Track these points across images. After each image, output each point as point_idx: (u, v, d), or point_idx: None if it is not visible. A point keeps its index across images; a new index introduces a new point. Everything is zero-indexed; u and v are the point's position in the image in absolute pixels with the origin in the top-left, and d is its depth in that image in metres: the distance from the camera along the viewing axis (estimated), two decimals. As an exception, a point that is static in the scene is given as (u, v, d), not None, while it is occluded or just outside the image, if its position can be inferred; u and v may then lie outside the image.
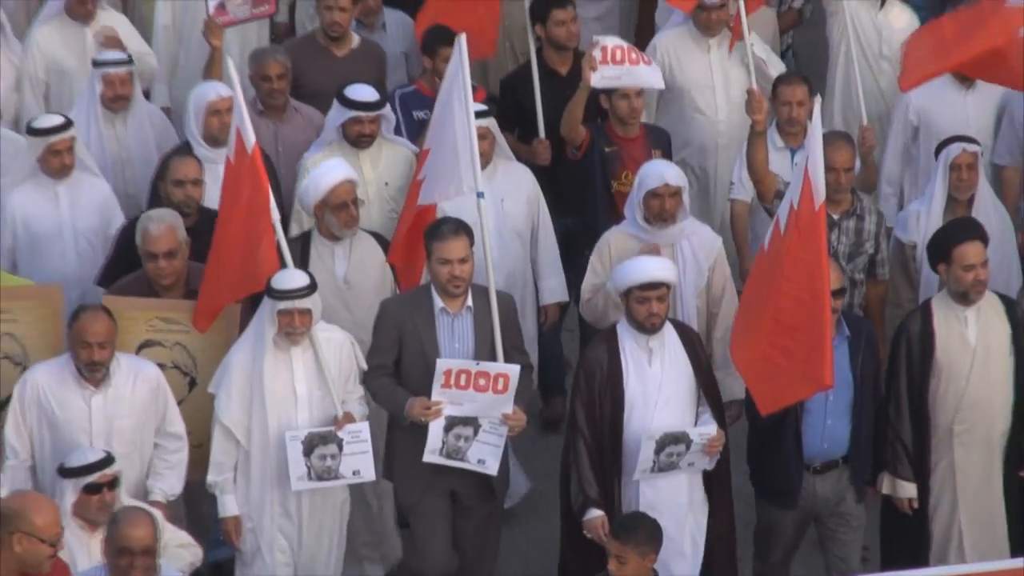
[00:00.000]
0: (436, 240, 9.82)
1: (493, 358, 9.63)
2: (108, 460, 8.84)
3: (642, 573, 8.34)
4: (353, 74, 12.23)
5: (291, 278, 9.62)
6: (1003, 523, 9.93)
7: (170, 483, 9.51)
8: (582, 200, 11.27)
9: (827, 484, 9.77)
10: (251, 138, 9.93)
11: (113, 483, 8.81)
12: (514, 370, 9.64)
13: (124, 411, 9.41)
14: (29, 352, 10.08)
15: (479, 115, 10.97)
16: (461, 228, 9.90)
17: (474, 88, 11.59)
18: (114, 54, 11.98)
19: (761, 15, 12.66)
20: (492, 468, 9.56)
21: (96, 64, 11.69)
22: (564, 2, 12.33)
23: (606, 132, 11.35)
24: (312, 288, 9.61)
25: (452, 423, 9.55)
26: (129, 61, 11.85)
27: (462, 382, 9.43)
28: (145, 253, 10.09)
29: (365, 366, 9.91)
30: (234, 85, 10.25)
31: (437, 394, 9.46)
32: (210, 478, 9.58)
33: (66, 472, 8.89)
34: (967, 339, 9.72)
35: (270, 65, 11.90)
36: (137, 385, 9.48)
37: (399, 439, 9.82)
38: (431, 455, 9.60)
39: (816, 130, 8.86)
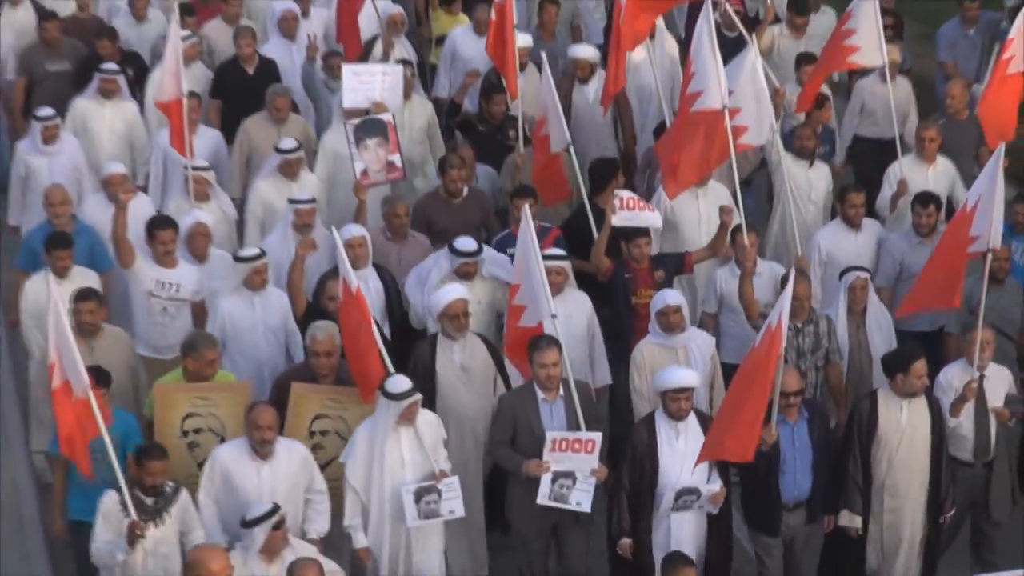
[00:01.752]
0: (536, 351, 11.13)
1: (579, 429, 11.02)
2: (277, 508, 10.07)
3: None
4: (466, 214, 13.75)
5: (403, 383, 10.76)
6: (918, 550, 11.69)
7: (320, 525, 10.80)
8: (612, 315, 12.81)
9: (796, 517, 11.31)
10: (354, 282, 11.09)
11: (283, 522, 10.12)
12: (598, 436, 11.06)
13: (282, 477, 10.58)
14: (226, 427, 11.23)
15: (559, 258, 12.51)
16: (553, 342, 11.12)
17: (549, 230, 13.51)
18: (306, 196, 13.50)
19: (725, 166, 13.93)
20: (586, 507, 10.99)
21: (291, 201, 13.31)
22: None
23: (624, 263, 12.86)
24: (416, 388, 10.81)
25: (556, 476, 10.92)
26: (313, 200, 13.51)
27: (563, 447, 10.92)
28: (312, 352, 11.33)
29: (446, 435, 11.25)
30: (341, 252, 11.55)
31: (546, 456, 10.87)
32: (346, 522, 10.83)
33: (247, 523, 10.04)
34: (900, 422, 11.21)
35: (398, 206, 13.34)
36: (292, 459, 10.67)
37: (516, 489, 11.25)
38: (543, 499, 10.98)
39: (786, 298, 10.45)
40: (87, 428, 10.52)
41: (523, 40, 16.22)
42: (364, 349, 11.10)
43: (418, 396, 10.86)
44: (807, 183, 14.68)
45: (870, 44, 14.78)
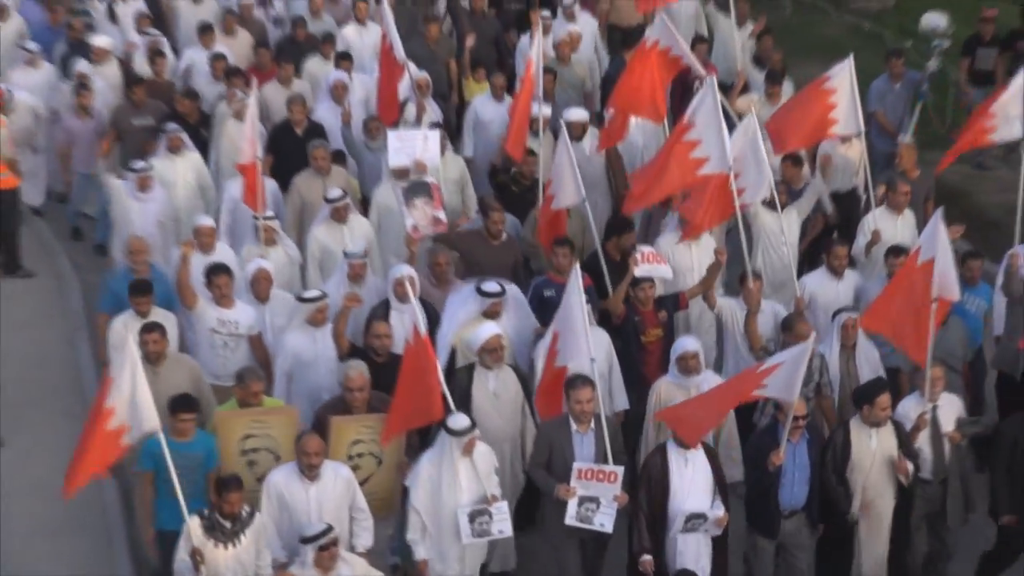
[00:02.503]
0: (572, 389, 10.80)
1: (606, 460, 10.77)
2: (330, 528, 9.85)
3: None
4: (502, 257, 13.45)
5: (463, 421, 10.49)
6: (884, 558, 11.36)
7: (365, 540, 10.53)
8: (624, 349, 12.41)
9: (792, 524, 10.99)
10: (423, 329, 10.91)
11: (336, 543, 9.94)
12: (620, 469, 10.65)
13: (329, 496, 10.30)
14: (280, 446, 10.97)
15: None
16: (588, 381, 10.79)
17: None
18: (359, 248, 13.23)
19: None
20: (608, 529, 10.65)
21: (346, 255, 13.02)
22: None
23: (634, 306, 12.50)
24: (474, 425, 10.55)
25: (583, 500, 10.55)
26: (365, 255, 13.20)
27: (589, 476, 10.55)
28: (346, 388, 11.04)
29: (497, 463, 10.93)
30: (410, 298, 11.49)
31: (574, 482, 10.53)
32: (408, 536, 10.56)
33: (307, 540, 9.85)
34: (871, 448, 10.87)
35: (439, 256, 13.03)
36: (337, 481, 10.37)
37: (550, 507, 10.86)
38: (570, 520, 10.62)
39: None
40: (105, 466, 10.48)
41: (578, 114, 15.94)
42: (429, 389, 10.77)
43: (476, 432, 10.64)
44: (780, 230, 13.99)
45: (849, 115, 14.36)
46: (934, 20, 18.84)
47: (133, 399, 10.05)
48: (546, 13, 18.65)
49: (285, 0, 20.49)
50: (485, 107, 17.22)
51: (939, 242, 11.46)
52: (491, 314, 12.34)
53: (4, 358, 15.06)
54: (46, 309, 17.24)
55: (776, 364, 10.63)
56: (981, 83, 18.63)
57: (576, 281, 11.35)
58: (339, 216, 14.10)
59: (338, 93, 16.76)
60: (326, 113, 16.80)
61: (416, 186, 14.13)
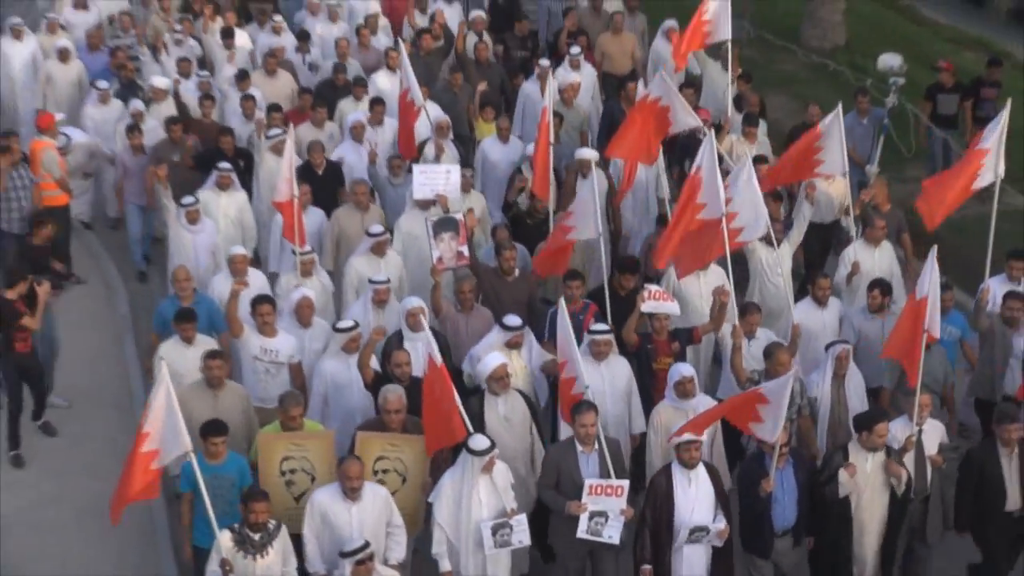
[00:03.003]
0: (577, 414, 10.40)
1: (610, 476, 10.35)
2: (367, 545, 9.53)
3: None
4: (516, 292, 13.02)
5: (483, 441, 10.11)
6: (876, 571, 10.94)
7: (398, 553, 10.16)
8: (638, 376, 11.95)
9: (784, 543, 10.67)
10: (438, 359, 10.55)
11: (372, 557, 9.61)
12: (625, 483, 10.31)
13: (368, 514, 9.95)
14: (316, 468, 10.62)
15: (605, 332, 11.80)
16: (591, 407, 10.41)
17: (588, 306, 12.77)
18: (382, 277, 12.96)
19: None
20: (616, 540, 10.25)
21: (371, 281, 12.78)
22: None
23: (649, 335, 12.09)
24: (494, 445, 10.16)
25: (592, 515, 10.18)
26: (388, 281, 12.89)
27: (599, 491, 10.18)
28: (384, 410, 10.68)
29: (513, 480, 10.50)
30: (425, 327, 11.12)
31: (585, 498, 10.13)
32: (433, 550, 10.16)
33: (346, 555, 9.50)
34: (866, 470, 10.46)
35: (465, 285, 12.64)
36: (376, 500, 10.02)
37: (560, 523, 10.49)
38: (581, 533, 10.21)
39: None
40: (145, 491, 10.27)
41: (587, 153, 15.52)
42: (448, 412, 10.47)
43: (496, 452, 10.25)
44: (772, 264, 13.70)
45: (834, 156, 13.98)
46: (890, 60, 19.19)
47: (166, 423, 9.82)
48: (545, 62, 18.39)
49: (321, 47, 20.04)
50: (492, 148, 16.89)
51: (932, 281, 11.18)
52: (513, 344, 11.96)
53: (59, 355, 14.56)
54: (96, 312, 17.04)
55: (769, 398, 10.34)
56: (943, 126, 18.42)
57: (564, 317, 11.13)
58: (379, 250, 13.78)
59: (357, 133, 16.41)
60: (349, 151, 16.45)
61: (445, 221, 13.72)
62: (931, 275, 11.18)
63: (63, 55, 19.20)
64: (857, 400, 11.90)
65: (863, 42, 25.20)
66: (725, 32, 16.34)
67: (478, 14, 20.24)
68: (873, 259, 14.02)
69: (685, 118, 14.37)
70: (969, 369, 13.35)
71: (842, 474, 10.50)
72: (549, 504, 10.65)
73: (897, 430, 11.08)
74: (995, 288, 13.15)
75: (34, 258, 14.75)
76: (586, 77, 18.76)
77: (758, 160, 15.08)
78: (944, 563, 11.75)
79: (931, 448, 11.14)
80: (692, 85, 18.14)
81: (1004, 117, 13.06)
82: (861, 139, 17.66)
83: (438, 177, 14.49)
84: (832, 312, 13.10)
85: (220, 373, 11.45)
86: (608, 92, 18.96)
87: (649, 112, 14.22)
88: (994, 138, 13.15)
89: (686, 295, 13.26)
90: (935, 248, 11.62)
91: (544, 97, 15.36)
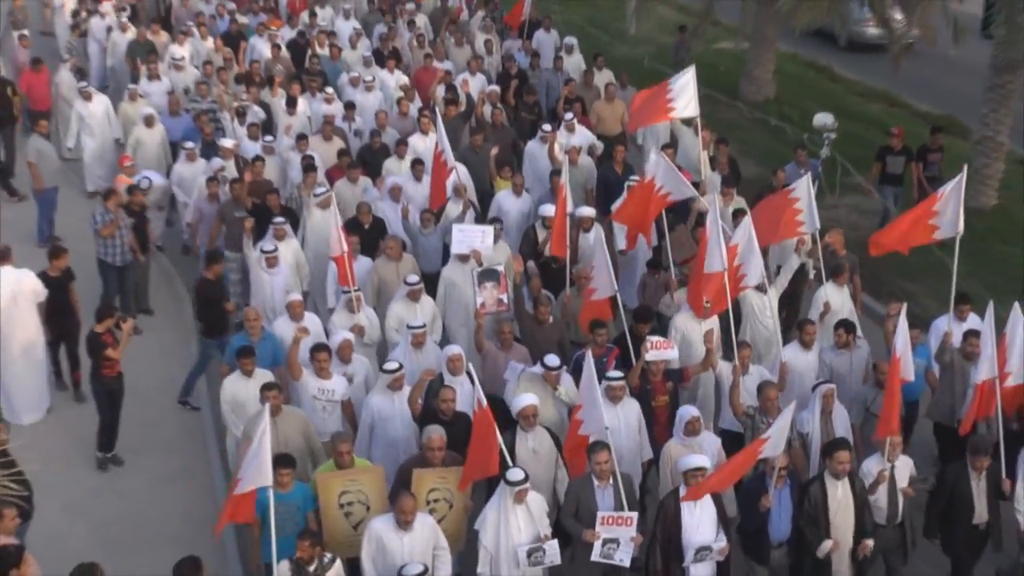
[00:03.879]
0: (593, 453, 9.66)
1: (623, 508, 9.65)
2: (427, 570, 8.93)
3: None
4: (550, 335, 12.35)
5: (518, 474, 9.39)
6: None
7: (444, 571, 9.42)
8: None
9: (779, 553, 10.01)
10: (484, 401, 9.75)
11: None
12: (635, 515, 9.53)
13: (419, 542, 9.22)
14: (370, 499, 9.93)
15: (620, 378, 10.93)
16: (605, 446, 9.67)
17: (611, 350, 11.97)
18: (418, 322, 12.25)
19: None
20: (627, 563, 9.53)
21: (409, 327, 12.07)
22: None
23: (648, 377, 11.34)
24: (527, 478, 9.44)
25: (606, 542, 9.46)
26: (423, 326, 12.15)
27: (611, 522, 9.45)
28: (427, 447, 9.98)
29: (548, 508, 9.78)
30: (475, 378, 10.15)
31: (599, 527, 9.44)
32: (479, 570, 9.48)
33: None
34: (838, 496, 9.75)
35: (504, 326, 11.97)
36: (424, 528, 9.28)
37: (579, 548, 9.73)
38: (595, 557, 9.51)
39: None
40: (239, 514, 9.58)
41: (587, 211, 14.89)
42: (489, 449, 9.72)
43: (527, 484, 9.51)
44: (762, 307, 12.94)
45: (809, 216, 13.18)
46: (823, 119, 18.44)
47: (256, 457, 9.11)
48: (547, 127, 17.68)
49: (361, 114, 19.31)
50: (506, 200, 16.12)
51: (903, 338, 10.65)
52: (551, 381, 11.31)
53: (136, 360, 13.92)
54: (166, 323, 16.45)
55: (768, 438, 9.69)
56: (892, 183, 17.76)
57: (590, 366, 10.29)
58: (414, 296, 13.01)
59: (395, 194, 15.69)
60: (388, 207, 15.69)
61: (488, 272, 13.07)
62: (902, 332, 10.61)
63: (149, 121, 18.51)
64: (842, 431, 11.09)
65: (789, 95, 25.07)
66: (691, 109, 15.34)
67: (493, 88, 19.62)
68: (841, 299, 13.32)
69: (683, 190, 13.70)
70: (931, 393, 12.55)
71: (826, 544, 9.97)
72: (569, 531, 9.90)
73: (872, 465, 10.40)
74: (945, 327, 12.50)
75: (207, 295, 14.17)
76: (579, 138, 18.01)
77: (739, 213, 14.46)
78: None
79: (902, 481, 10.41)
80: (670, 147, 17.53)
81: (962, 178, 12.30)
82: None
83: (475, 236, 13.72)
84: (814, 353, 12.28)
85: (276, 403, 10.64)
86: (601, 156, 18.18)
87: (649, 195, 13.69)
88: (952, 195, 12.33)
89: (688, 336, 12.47)
90: (904, 306, 11.23)
91: (553, 162, 15.14)
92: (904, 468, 10.43)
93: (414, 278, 13.19)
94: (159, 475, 12.81)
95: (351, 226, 14.53)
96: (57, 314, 13.81)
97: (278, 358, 12.30)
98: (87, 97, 19.58)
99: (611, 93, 19.63)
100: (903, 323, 10.58)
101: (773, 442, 9.57)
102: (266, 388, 10.80)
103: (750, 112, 24.31)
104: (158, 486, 12.61)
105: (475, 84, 20.21)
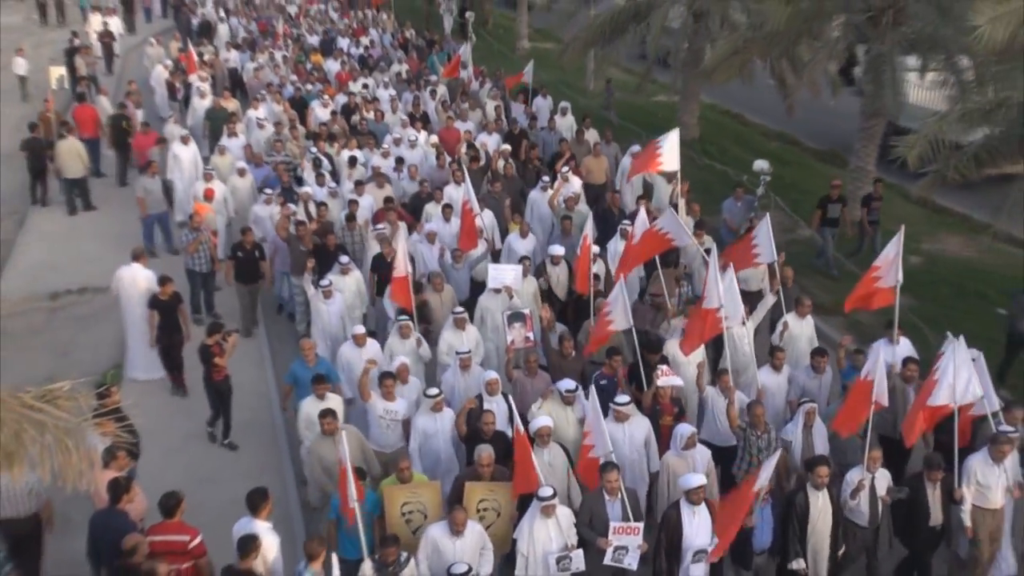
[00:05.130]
0: (604, 472, 8.55)
1: (631, 519, 8.53)
2: (471, 569, 7.90)
3: None
4: (575, 365, 10.97)
5: (548, 491, 8.33)
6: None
7: (487, 569, 8.32)
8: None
9: (761, 559, 8.93)
10: (522, 428, 8.73)
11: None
12: (641, 525, 8.41)
13: (468, 546, 8.17)
14: (427, 508, 8.79)
15: (627, 403, 9.67)
16: (614, 466, 8.62)
17: (617, 372, 10.63)
18: (465, 348, 11.05)
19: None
20: (635, 566, 8.45)
21: (457, 353, 10.85)
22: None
23: (658, 400, 10.12)
24: (556, 494, 8.37)
25: (616, 548, 8.34)
26: (469, 352, 10.90)
27: (621, 531, 8.33)
28: (478, 464, 8.88)
29: (575, 519, 8.63)
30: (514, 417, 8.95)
31: (611, 536, 8.30)
32: (516, 573, 8.41)
33: (454, 575, 7.82)
34: (818, 505, 8.62)
35: (531, 357, 10.70)
36: (473, 533, 8.24)
37: (593, 555, 8.51)
38: (607, 561, 8.39)
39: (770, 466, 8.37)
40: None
41: (598, 268, 13.38)
42: (528, 467, 8.66)
43: (555, 500, 8.42)
44: (741, 337, 11.60)
45: (766, 249, 12.26)
46: (761, 164, 17.31)
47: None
48: (547, 179, 16.37)
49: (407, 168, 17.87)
50: (515, 242, 14.67)
51: (880, 364, 9.64)
52: (569, 402, 10.07)
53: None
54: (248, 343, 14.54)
55: (757, 474, 8.58)
56: (830, 226, 16.31)
57: (594, 400, 9.20)
58: (460, 324, 11.72)
59: (431, 238, 14.33)
60: (425, 248, 14.27)
61: (516, 315, 11.69)
62: (880, 360, 9.61)
63: (241, 172, 17.31)
64: (820, 444, 9.91)
65: (710, 135, 23.99)
66: (674, 164, 14.21)
67: (506, 147, 18.36)
68: (801, 327, 12.03)
69: (684, 237, 12.45)
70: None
71: (799, 563, 8.85)
72: (585, 538, 8.73)
73: (854, 476, 9.18)
74: (882, 351, 10.92)
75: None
76: (576, 187, 16.68)
77: (708, 251, 12.84)
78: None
79: (881, 490, 9.22)
80: (645, 196, 16.54)
81: (900, 236, 11.11)
82: (736, 215, 16.08)
83: (507, 274, 12.49)
84: (784, 375, 10.99)
85: (331, 428, 9.56)
86: (593, 198, 16.94)
87: (654, 238, 12.40)
88: (891, 253, 11.15)
89: (677, 359, 11.16)
90: (883, 341, 10.35)
91: (552, 209, 14.46)
92: (882, 479, 9.24)
93: (460, 309, 11.96)
94: (234, 434, 12.18)
95: (377, 263, 13.59)
96: (167, 329, 12.83)
97: (331, 378, 11.03)
98: (185, 141, 18.44)
99: (596, 151, 18.31)
100: (877, 354, 9.69)
101: (761, 482, 8.52)
102: (322, 415, 9.65)
103: (682, 150, 22.89)
104: (236, 439, 12.11)
105: (491, 142, 19.05)
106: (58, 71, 23.77)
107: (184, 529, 8.07)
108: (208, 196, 16.14)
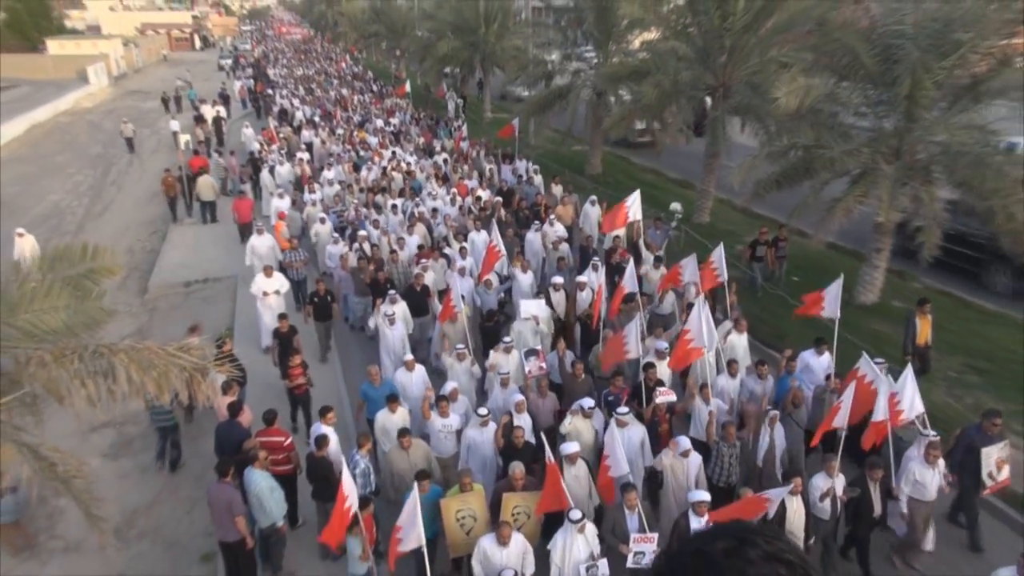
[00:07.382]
0: (625, 492, 6.80)
1: (647, 530, 6.77)
2: (516, 574, 6.20)
3: None
4: (585, 387, 8.89)
5: (577, 514, 6.51)
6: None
7: (531, 569, 6.55)
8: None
9: None
10: (551, 458, 6.87)
11: None
12: (656, 535, 6.64)
13: (513, 553, 6.38)
14: (477, 515, 6.93)
15: (624, 414, 7.77)
16: (634, 487, 6.88)
17: (622, 390, 8.55)
18: (505, 370, 9.03)
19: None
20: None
21: (498, 372, 8.93)
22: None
23: (656, 412, 8.33)
24: (584, 517, 6.57)
25: (636, 553, 6.55)
26: (507, 373, 8.90)
27: (640, 540, 6.55)
28: (512, 477, 7.08)
29: (597, 532, 6.76)
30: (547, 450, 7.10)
31: (631, 544, 6.56)
32: None
33: None
34: (794, 506, 6.90)
35: (543, 382, 8.80)
36: (517, 543, 6.43)
37: (615, 557, 6.72)
38: (629, 564, 6.59)
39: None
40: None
41: (558, 279, 11.63)
42: (558, 489, 6.75)
43: (584, 521, 6.57)
44: (712, 358, 9.62)
45: (722, 270, 10.38)
46: (676, 206, 15.67)
47: (411, 523, 6.50)
48: (538, 223, 14.31)
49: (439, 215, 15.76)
50: (520, 275, 12.54)
51: (876, 372, 7.94)
52: (588, 416, 8.25)
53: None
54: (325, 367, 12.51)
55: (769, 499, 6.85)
56: (758, 261, 14.05)
57: (612, 432, 7.39)
58: (507, 351, 9.69)
59: (461, 272, 12.17)
60: (457, 279, 11.77)
61: (531, 351, 9.69)
62: (873, 369, 7.91)
63: (323, 220, 15.30)
64: (779, 439, 8.10)
65: (609, 171, 22.13)
66: (639, 214, 12.55)
67: (498, 199, 16.00)
68: (741, 341, 10.11)
69: (694, 275, 10.64)
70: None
71: None
72: (609, 544, 6.95)
73: (820, 481, 7.43)
74: (808, 359, 9.38)
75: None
76: (559, 231, 14.64)
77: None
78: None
79: (839, 490, 7.50)
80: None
81: (839, 282, 9.49)
82: (657, 239, 14.33)
83: (533, 306, 10.65)
84: (737, 381, 9.13)
85: (408, 444, 7.87)
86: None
87: (676, 273, 10.65)
88: (832, 292, 9.47)
89: (665, 374, 9.25)
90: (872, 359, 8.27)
91: (544, 248, 12.59)
92: (839, 482, 7.53)
93: (508, 337, 10.01)
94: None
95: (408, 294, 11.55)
96: (282, 354, 10.72)
97: (397, 395, 8.97)
98: (280, 196, 16.77)
99: (564, 201, 16.41)
100: (870, 362, 7.98)
101: (773, 503, 6.79)
102: (401, 434, 7.89)
103: (591, 183, 21.67)
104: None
105: (484, 196, 16.96)
106: (185, 137, 23.55)
107: (280, 433, 7.96)
108: (281, 217, 15.26)
